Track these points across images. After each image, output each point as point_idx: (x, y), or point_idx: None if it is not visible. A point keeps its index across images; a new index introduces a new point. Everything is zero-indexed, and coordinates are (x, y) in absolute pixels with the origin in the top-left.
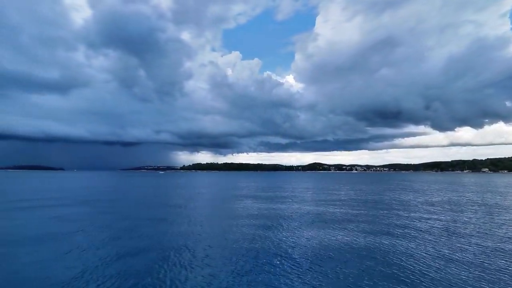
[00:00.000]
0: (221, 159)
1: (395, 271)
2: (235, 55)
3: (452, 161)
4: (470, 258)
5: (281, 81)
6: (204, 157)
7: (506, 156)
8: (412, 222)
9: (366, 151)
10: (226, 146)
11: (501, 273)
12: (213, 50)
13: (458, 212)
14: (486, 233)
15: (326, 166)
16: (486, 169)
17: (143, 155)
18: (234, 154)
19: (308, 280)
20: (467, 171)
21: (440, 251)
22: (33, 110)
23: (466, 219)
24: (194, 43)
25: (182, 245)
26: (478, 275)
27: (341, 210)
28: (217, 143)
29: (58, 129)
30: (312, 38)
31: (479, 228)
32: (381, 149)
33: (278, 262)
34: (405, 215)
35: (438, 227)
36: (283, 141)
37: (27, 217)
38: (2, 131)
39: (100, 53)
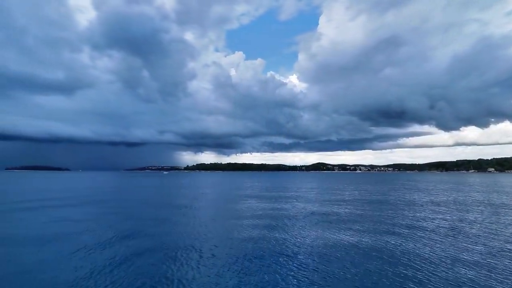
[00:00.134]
0: (225, 159)
1: (403, 270)
2: (239, 55)
3: (457, 161)
4: (477, 258)
5: (284, 81)
6: (207, 157)
7: None
8: (418, 222)
9: (370, 151)
10: (229, 146)
11: (508, 273)
12: (217, 50)
13: (464, 212)
14: (493, 233)
15: (330, 166)
16: (492, 169)
17: (147, 156)
18: (237, 154)
19: (315, 280)
20: (472, 171)
21: (447, 251)
22: (38, 111)
23: (473, 219)
24: (198, 43)
25: (188, 245)
26: (486, 275)
27: (346, 210)
28: (221, 143)
29: (63, 130)
30: (315, 37)
31: (485, 228)
32: (385, 149)
33: (284, 262)
34: (411, 215)
35: (444, 227)
36: (287, 141)
37: (34, 217)
38: (8, 132)
39: (104, 54)
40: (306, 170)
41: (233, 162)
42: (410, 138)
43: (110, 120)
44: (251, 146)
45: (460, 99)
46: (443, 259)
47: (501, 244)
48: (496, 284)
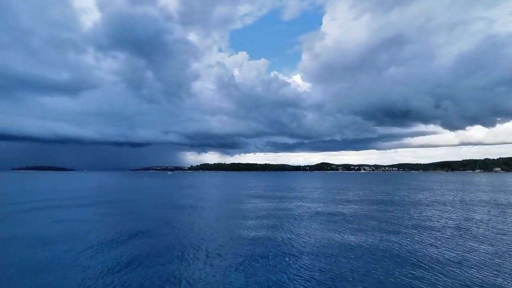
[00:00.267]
0: (229, 159)
1: (410, 270)
2: (242, 55)
3: (463, 160)
4: (484, 258)
5: (288, 81)
6: (211, 157)
7: None
8: (424, 222)
9: (375, 150)
10: (233, 147)
11: None
12: (220, 50)
13: (471, 212)
14: (500, 233)
15: (334, 166)
16: (499, 169)
17: (151, 156)
18: (241, 154)
19: (322, 280)
20: (478, 170)
21: (454, 250)
22: (43, 112)
23: (479, 219)
24: (201, 44)
25: (194, 245)
26: (493, 274)
27: (351, 210)
28: (225, 144)
29: (68, 130)
30: (319, 37)
31: (492, 228)
32: (389, 148)
33: (290, 262)
34: (417, 215)
35: (451, 227)
36: (290, 141)
37: (41, 217)
38: (14, 133)
39: (108, 55)
40: (310, 170)
41: (237, 162)
42: (415, 137)
43: (114, 120)
44: (255, 146)
45: (466, 98)
46: (450, 259)
47: (508, 244)
48: (504, 284)
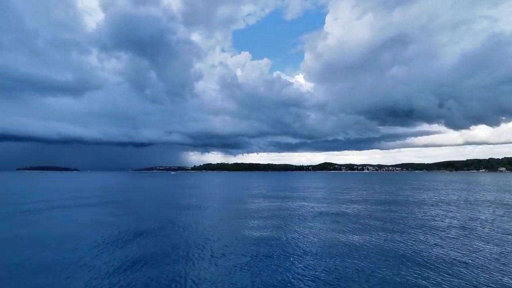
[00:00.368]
0: (232, 159)
1: (416, 270)
2: (245, 55)
3: (467, 160)
4: (489, 258)
5: (290, 80)
6: (214, 157)
7: None
8: (429, 222)
9: (378, 150)
10: (236, 147)
11: None
12: (223, 51)
13: (476, 212)
14: (506, 233)
15: (337, 166)
16: (503, 168)
17: (154, 156)
18: (244, 154)
19: (327, 280)
20: (483, 170)
21: (459, 250)
22: (48, 112)
23: (484, 219)
24: (204, 44)
25: (199, 245)
26: (499, 274)
27: (355, 210)
28: (227, 144)
29: (72, 131)
30: (321, 37)
31: (497, 227)
32: (393, 148)
33: (295, 262)
34: (421, 214)
35: (456, 227)
36: (293, 141)
37: (46, 217)
38: (19, 133)
39: (112, 55)
40: (313, 170)
41: (240, 162)
42: (418, 137)
43: (118, 121)
44: (258, 146)
45: (470, 97)
46: (455, 259)
47: None
48: (511, 283)
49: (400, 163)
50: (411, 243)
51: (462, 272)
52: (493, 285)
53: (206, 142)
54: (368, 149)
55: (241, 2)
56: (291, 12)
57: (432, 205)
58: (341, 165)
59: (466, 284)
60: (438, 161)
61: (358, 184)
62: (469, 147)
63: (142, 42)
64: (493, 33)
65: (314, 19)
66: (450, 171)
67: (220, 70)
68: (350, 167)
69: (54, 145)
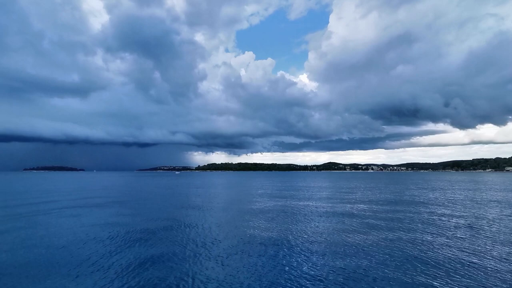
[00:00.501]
0: (236, 159)
1: (424, 269)
2: (249, 55)
3: (473, 159)
4: (497, 258)
5: (294, 80)
6: (218, 157)
7: None
8: (435, 221)
9: (383, 150)
10: (240, 146)
11: None
12: (227, 51)
13: (483, 211)
14: None
15: (341, 165)
16: (510, 168)
17: (159, 156)
18: (248, 154)
19: (334, 280)
20: (489, 170)
21: (466, 250)
22: (54, 113)
23: (491, 218)
24: (208, 44)
25: (205, 245)
26: (508, 273)
27: (360, 209)
28: (232, 143)
29: (78, 131)
30: (325, 36)
31: (505, 227)
32: (398, 148)
33: (301, 261)
34: (427, 214)
35: (463, 226)
36: (297, 140)
37: (54, 217)
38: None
39: (117, 56)
40: (317, 170)
41: (244, 162)
42: (424, 136)
43: (123, 121)
44: (262, 146)
45: (476, 96)
46: (463, 258)
47: None
48: None
49: (405, 162)
50: (418, 242)
51: (471, 272)
52: (503, 285)
53: (210, 142)
54: (372, 149)
55: (244, 2)
56: (295, 11)
57: (439, 205)
58: (345, 165)
59: (475, 284)
60: (443, 161)
61: (363, 183)
62: (475, 147)
63: (146, 43)
64: (499, 31)
65: (318, 18)
66: (456, 170)
67: (224, 70)
68: (355, 167)
69: (60, 145)
